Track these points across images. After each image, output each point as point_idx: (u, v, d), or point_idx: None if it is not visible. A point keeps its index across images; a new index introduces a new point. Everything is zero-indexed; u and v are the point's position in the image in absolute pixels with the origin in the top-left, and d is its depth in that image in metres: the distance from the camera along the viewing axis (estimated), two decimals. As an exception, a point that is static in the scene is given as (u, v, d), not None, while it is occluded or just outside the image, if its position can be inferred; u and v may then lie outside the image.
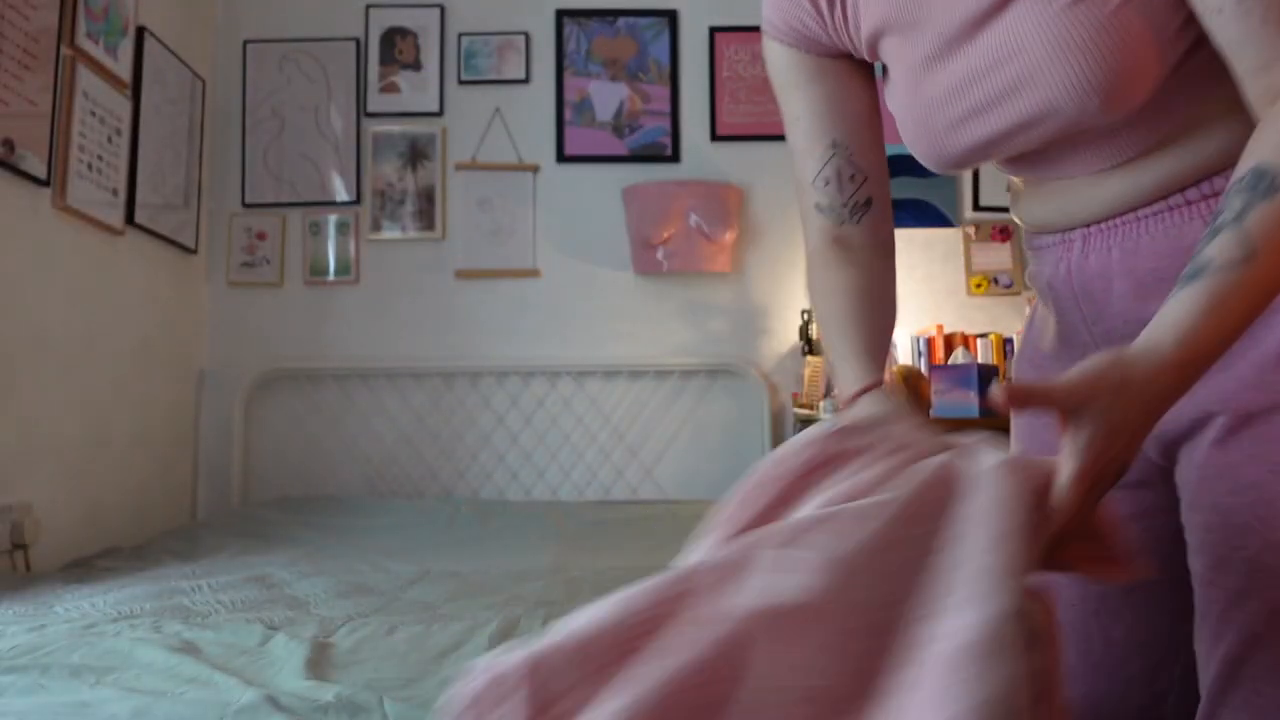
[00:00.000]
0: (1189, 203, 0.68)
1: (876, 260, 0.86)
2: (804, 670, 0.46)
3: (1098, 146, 0.70)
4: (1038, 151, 0.73)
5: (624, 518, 2.23)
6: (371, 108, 2.70)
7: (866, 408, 0.73)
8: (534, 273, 2.66)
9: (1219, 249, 0.55)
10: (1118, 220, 0.72)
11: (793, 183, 0.88)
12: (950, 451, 0.57)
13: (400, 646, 1.11)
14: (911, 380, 2.20)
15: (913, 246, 2.66)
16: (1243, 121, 0.61)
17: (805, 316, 2.54)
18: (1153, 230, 0.70)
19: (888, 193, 0.88)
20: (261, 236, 2.66)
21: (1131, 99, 0.64)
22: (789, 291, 2.66)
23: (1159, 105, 0.66)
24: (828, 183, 0.84)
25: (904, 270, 2.78)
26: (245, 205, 2.67)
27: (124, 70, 2.18)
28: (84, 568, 1.75)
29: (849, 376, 0.77)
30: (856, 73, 0.83)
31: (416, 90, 2.71)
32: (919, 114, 0.76)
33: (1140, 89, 0.64)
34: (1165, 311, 0.56)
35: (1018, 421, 0.90)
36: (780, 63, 0.84)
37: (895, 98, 0.80)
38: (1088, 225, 0.74)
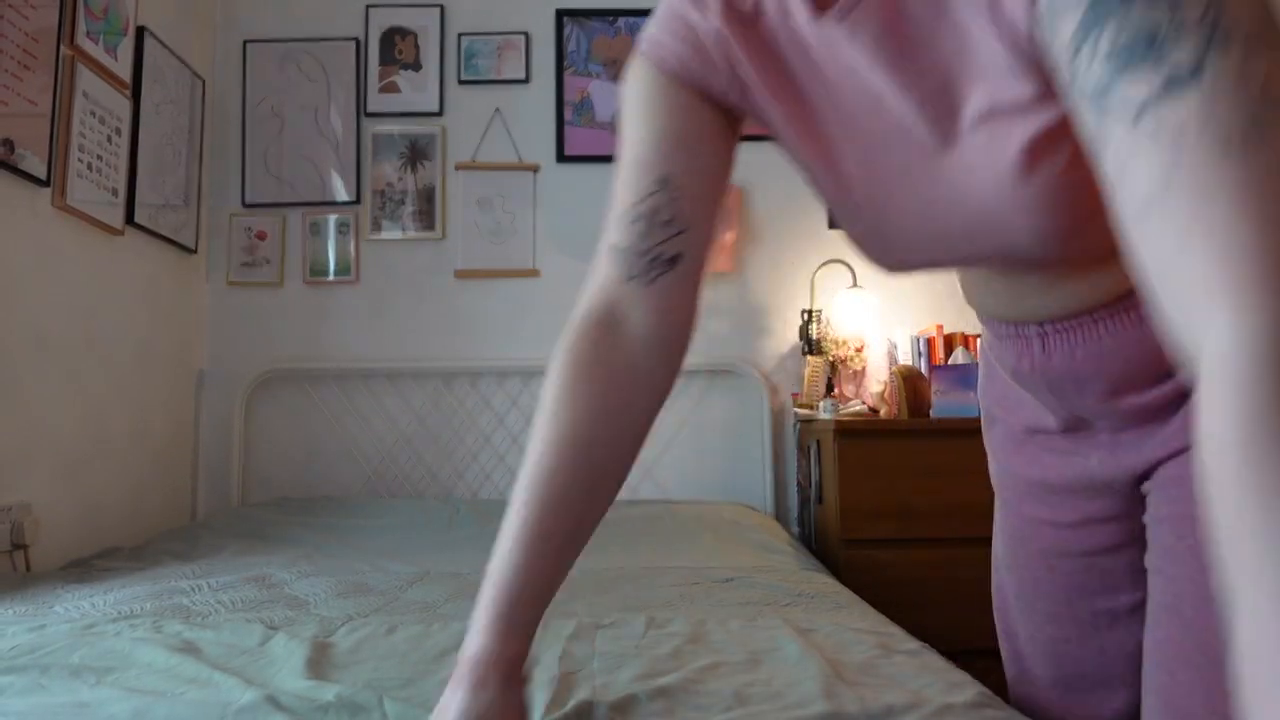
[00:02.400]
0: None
1: (646, 364, 0.69)
2: None
3: (1057, 265, 0.67)
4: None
5: (624, 518, 2.23)
6: (371, 108, 2.70)
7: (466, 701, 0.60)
8: (534, 273, 2.66)
9: None
10: (1074, 321, 0.69)
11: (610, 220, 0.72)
12: None
13: (400, 646, 1.11)
14: (911, 380, 2.20)
15: (913, 247, 2.66)
16: None
17: (805, 316, 2.54)
18: (1114, 329, 0.67)
19: (702, 267, 0.70)
20: (261, 236, 2.66)
21: (1089, 237, 0.60)
22: (789, 291, 2.66)
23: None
24: (636, 221, 0.68)
25: (904, 270, 2.75)
26: (245, 205, 2.67)
27: (124, 70, 2.18)
28: (83, 568, 1.75)
29: (477, 628, 0.65)
30: (724, 132, 0.71)
31: (416, 90, 2.71)
32: (868, 225, 0.69)
33: (1096, 227, 0.58)
34: None
35: (989, 436, 0.92)
36: (645, 85, 0.70)
37: (821, 188, 0.71)
38: (1042, 324, 0.71)
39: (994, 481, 0.93)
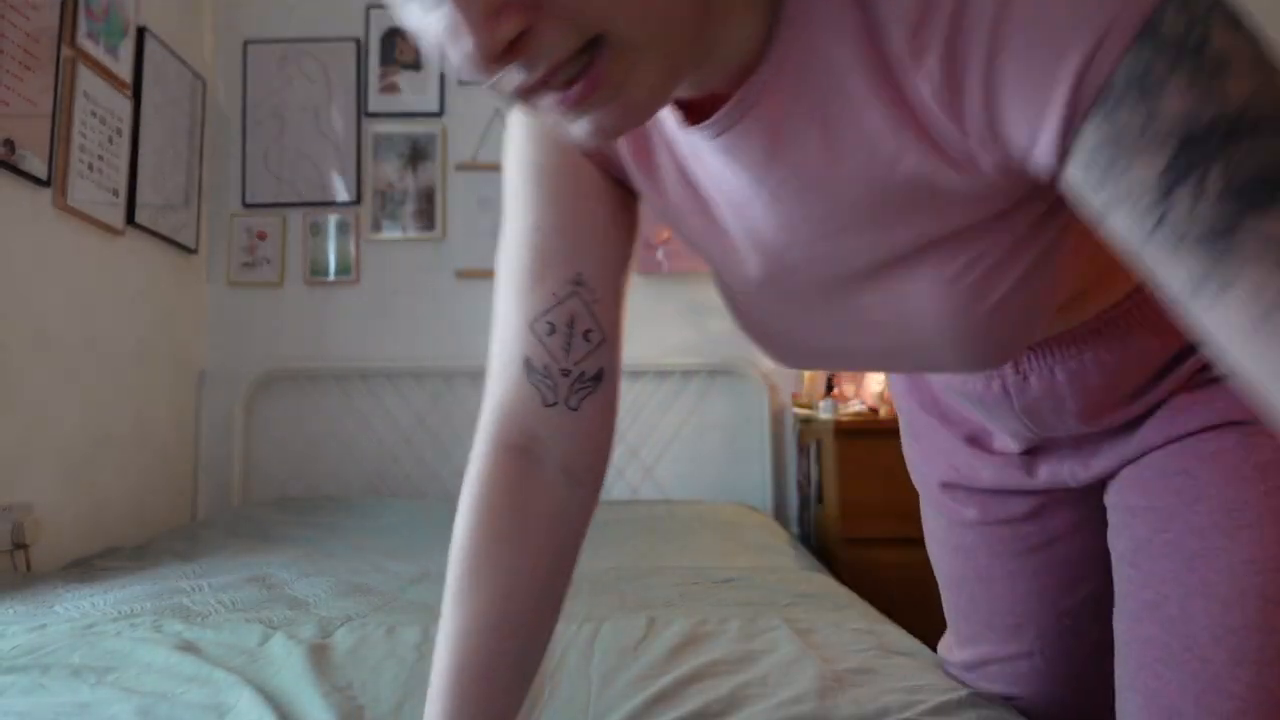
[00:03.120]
0: (1127, 311, 0.62)
1: (573, 503, 0.61)
2: None
3: None
4: None
5: (624, 518, 2.24)
6: (372, 108, 2.70)
7: None
8: (534, 273, 2.66)
9: None
10: (1054, 345, 0.64)
11: (495, 326, 0.64)
12: None
13: (400, 647, 1.11)
14: (911, 380, 2.20)
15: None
16: None
17: (805, 316, 2.54)
18: (1095, 346, 0.63)
19: (619, 377, 0.62)
20: (262, 236, 2.66)
21: (1019, 352, 0.60)
22: (789, 291, 2.65)
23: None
24: (553, 331, 0.59)
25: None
26: (245, 205, 2.68)
27: (124, 70, 2.18)
28: (84, 568, 1.75)
29: None
30: (627, 208, 0.62)
31: (417, 90, 2.71)
32: (769, 326, 0.61)
33: (1025, 345, 0.57)
34: None
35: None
36: (540, 154, 0.60)
37: (720, 282, 0.63)
38: None
39: (923, 493, 0.90)
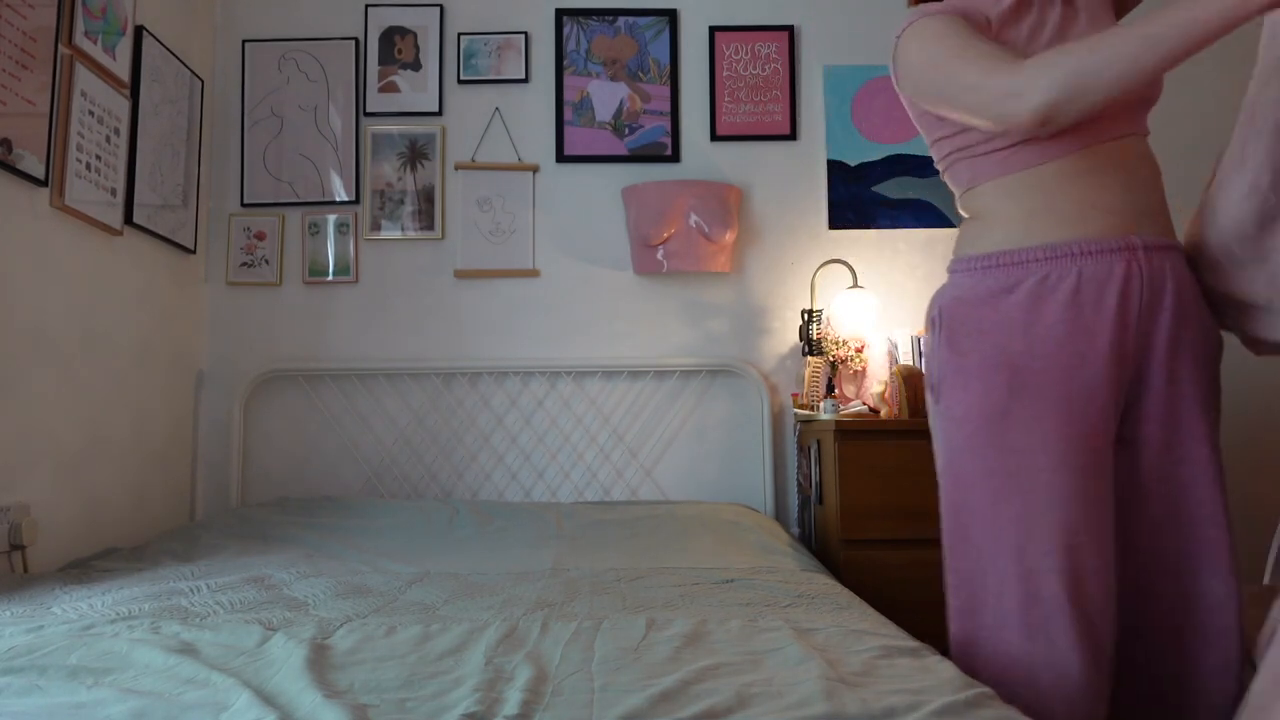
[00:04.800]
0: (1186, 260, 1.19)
1: None
2: None
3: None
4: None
5: (624, 518, 2.23)
6: (370, 107, 2.69)
7: None
8: (533, 273, 2.66)
9: None
10: (1172, 244, 1.17)
11: (975, 65, 1.19)
12: None
13: (399, 647, 1.11)
14: (911, 380, 2.20)
15: (913, 247, 2.66)
16: None
17: (805, 316, 2.54)
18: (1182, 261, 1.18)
19: None
20: (260, 236, 2.66)
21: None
22: (789, 291, 2.65)
23: None
24: (1001, 50, 1.21)
25: (904, 270, 2.75)
26: (244, 205, 2.67)
27: (122, 70, 2.17)
28: (82, 568, 1.74)
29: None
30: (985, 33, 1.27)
31: (416, 90, 2.70)
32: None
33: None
34: None
35: None
36: (950, 21, 1.24)
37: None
38: (1144, 237, 1.14)
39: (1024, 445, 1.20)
